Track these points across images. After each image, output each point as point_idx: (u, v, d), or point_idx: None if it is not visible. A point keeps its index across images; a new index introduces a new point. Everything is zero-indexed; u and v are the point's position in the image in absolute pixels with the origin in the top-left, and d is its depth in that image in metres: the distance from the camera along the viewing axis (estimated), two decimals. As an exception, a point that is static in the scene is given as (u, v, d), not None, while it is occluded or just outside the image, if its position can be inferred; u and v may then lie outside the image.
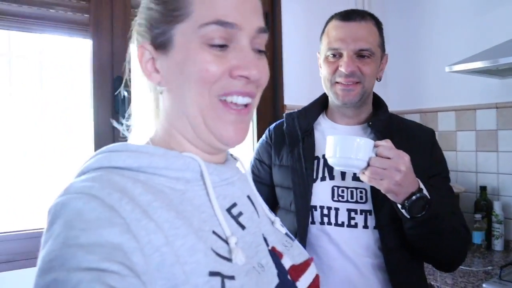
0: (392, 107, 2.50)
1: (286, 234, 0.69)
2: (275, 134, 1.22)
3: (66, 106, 1.64)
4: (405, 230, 0.98)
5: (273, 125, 1.26)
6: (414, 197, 0.90)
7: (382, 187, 0.90)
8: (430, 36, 2.37)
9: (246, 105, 0.57)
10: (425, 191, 0.92)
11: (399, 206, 0.93)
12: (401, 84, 2.52)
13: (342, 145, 0.91)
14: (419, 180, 0.93)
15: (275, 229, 0.66)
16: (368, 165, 0.90)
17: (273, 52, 2.10)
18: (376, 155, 0.90)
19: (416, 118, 2.42)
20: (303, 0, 2.17)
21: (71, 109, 1.66)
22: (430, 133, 1.16)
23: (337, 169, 1.04)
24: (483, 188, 2.04)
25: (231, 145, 0.58)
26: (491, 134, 2.11)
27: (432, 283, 1.57)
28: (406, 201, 0.90)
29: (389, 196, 0.92)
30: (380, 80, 1.14)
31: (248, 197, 0.64)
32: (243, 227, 0.58)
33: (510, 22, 1.99)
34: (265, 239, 0.61)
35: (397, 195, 0.90)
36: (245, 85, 0.55)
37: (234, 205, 0.59)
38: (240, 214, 0.59)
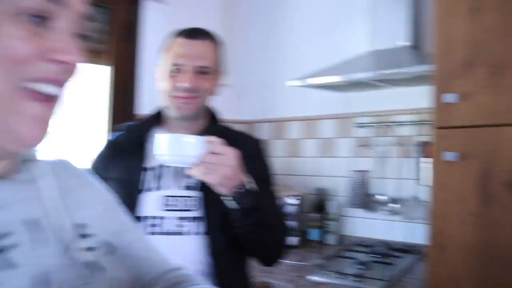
0: (246, 117, 2.68)
1: (90, 263, 0.54)
2: (109, 146, 1.24)
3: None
4: (233, 223, 1.06)
5: (112, 136, 1.28)
6: (242, 189, 1.00)
7: (213, 180, 0.98)
8: (284, 51, 2.59)
9: (52, 97, 0.46)
10: (252, 184, 1.03)
11: (229, 198, 1.01)
12: (255, 95, 2.72)
13: (173, 142, 0.97)
14: (247, 174, 1.03)
15: (72, 259, 0.52)
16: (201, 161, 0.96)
17: (131, 61, 2.09)
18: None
19: (267, 127, 2.65)
20: (167, 12, 2.21)
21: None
22: (256, 142, 1.29)
23: (169, 169, 1.12)
24: (320, 190, 2.32)
25: (29, 147, 0.48)
26: (330, 142, 2.40)
27: (270, 280, 1.72)
28: (235, 192, 1.00)
29: (219, 189, 1.00)
30: (215, 95, 1.24)
31: (35, 221, 0.50)
32: (13, 265, 0.45)
33: (350, 41, 2.28)
34: (47, 279, 0.48)
35: (226, 187, 0.99)
36: (60, 73, 0.46)
37: (4, 235, 0.46)
38: (12, 247, 0.46)
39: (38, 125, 0.45)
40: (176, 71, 1.16)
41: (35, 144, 0.47)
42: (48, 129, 0.47)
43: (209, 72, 1.17)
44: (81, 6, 0.48)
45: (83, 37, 0.49)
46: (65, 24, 0.46)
